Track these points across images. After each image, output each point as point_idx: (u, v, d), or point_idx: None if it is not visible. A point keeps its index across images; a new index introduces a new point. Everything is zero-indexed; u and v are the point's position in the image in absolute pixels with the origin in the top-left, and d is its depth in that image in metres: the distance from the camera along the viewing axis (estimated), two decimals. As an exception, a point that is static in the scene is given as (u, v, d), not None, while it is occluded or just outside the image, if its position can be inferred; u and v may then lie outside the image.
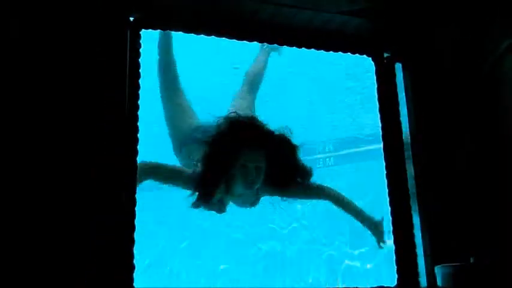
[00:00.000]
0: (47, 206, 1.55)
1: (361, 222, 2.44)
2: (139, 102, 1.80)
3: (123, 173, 1.69)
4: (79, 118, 1.66)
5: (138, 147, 1.76)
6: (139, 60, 1.85)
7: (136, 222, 1.68)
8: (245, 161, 2.16)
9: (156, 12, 1.96)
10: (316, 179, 2.42)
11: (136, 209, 1.71)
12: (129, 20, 1.87)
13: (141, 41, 1.87)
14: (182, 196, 2.31)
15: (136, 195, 1.72)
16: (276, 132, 2.23)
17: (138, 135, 1.77)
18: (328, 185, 2.49)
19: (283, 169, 2.27)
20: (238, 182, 2.20)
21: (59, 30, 1.71)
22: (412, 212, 1.97)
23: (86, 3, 1.75)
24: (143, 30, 1.90)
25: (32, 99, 1.63)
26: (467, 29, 2.14)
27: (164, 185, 2.34)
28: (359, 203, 2.48)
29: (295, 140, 2.27)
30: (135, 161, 1.75)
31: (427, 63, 2.10)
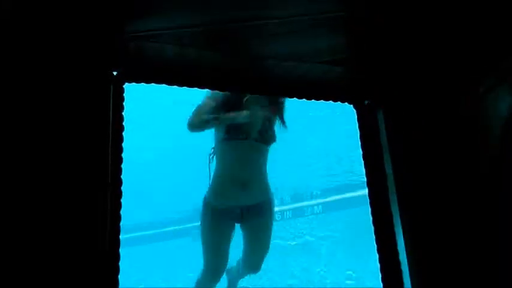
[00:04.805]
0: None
1: None
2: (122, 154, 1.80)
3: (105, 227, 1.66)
4: (60, 169, 1.64)
5: (121, 200, 1.74)
6: (123, 113, 1.86)
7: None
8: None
9: (140, 66, 1.99)
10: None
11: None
12: (112, 74, 1.88)
13: (124, 95, 1.89)
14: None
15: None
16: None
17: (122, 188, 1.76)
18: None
19: None
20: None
21: (39, 84, 1.71)
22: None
23: (68, 58, 1.77)
24: (126, 83, 1.92)
25: (11, 149, 1.61)
26: (445, 74, 2.19)
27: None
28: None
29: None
30: (119, 215, 1.73)
31: (407, 108, 2.14)
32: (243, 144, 3.37)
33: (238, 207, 3.46)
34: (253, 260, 3.70)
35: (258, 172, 3.48)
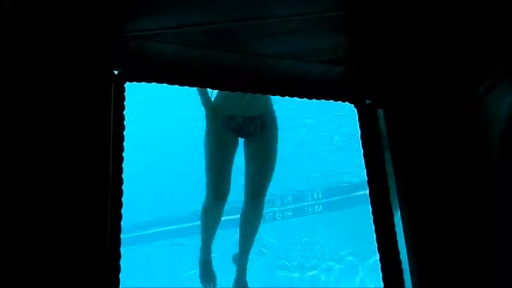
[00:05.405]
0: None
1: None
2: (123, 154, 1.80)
3: (107, 228, 1.66)
4: (60, 168, 1.64)
5: (122, 199, 1.74)
6: (124, 112, 1.86)
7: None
8: None
9: (141, 65, 1.99)
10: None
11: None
12: (113, 73, 1.88)
13: (125, 94, 1.89)
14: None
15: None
16: None
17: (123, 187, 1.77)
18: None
19: None
20: None
21: (40, 83, 1.71)
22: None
23: (69, 57, 1.77)
24: (127, 83, 1.92)
25: (11, 148, 1.61)
26: (445, 74, 2.19)
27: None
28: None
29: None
30: (120, 214, 1.73)
31: (407, 108, 2.14)
32: None
33: (240, 116, 3.53)
34: (255, 182, 3.58)
35: None
